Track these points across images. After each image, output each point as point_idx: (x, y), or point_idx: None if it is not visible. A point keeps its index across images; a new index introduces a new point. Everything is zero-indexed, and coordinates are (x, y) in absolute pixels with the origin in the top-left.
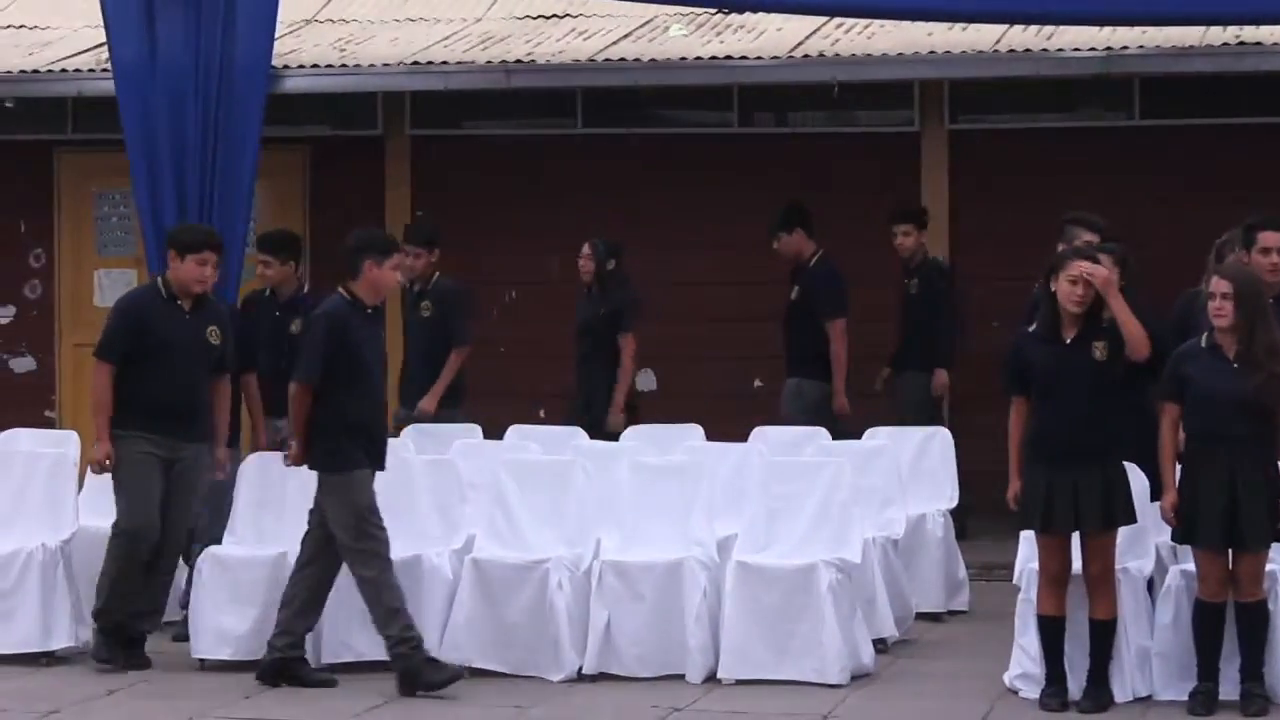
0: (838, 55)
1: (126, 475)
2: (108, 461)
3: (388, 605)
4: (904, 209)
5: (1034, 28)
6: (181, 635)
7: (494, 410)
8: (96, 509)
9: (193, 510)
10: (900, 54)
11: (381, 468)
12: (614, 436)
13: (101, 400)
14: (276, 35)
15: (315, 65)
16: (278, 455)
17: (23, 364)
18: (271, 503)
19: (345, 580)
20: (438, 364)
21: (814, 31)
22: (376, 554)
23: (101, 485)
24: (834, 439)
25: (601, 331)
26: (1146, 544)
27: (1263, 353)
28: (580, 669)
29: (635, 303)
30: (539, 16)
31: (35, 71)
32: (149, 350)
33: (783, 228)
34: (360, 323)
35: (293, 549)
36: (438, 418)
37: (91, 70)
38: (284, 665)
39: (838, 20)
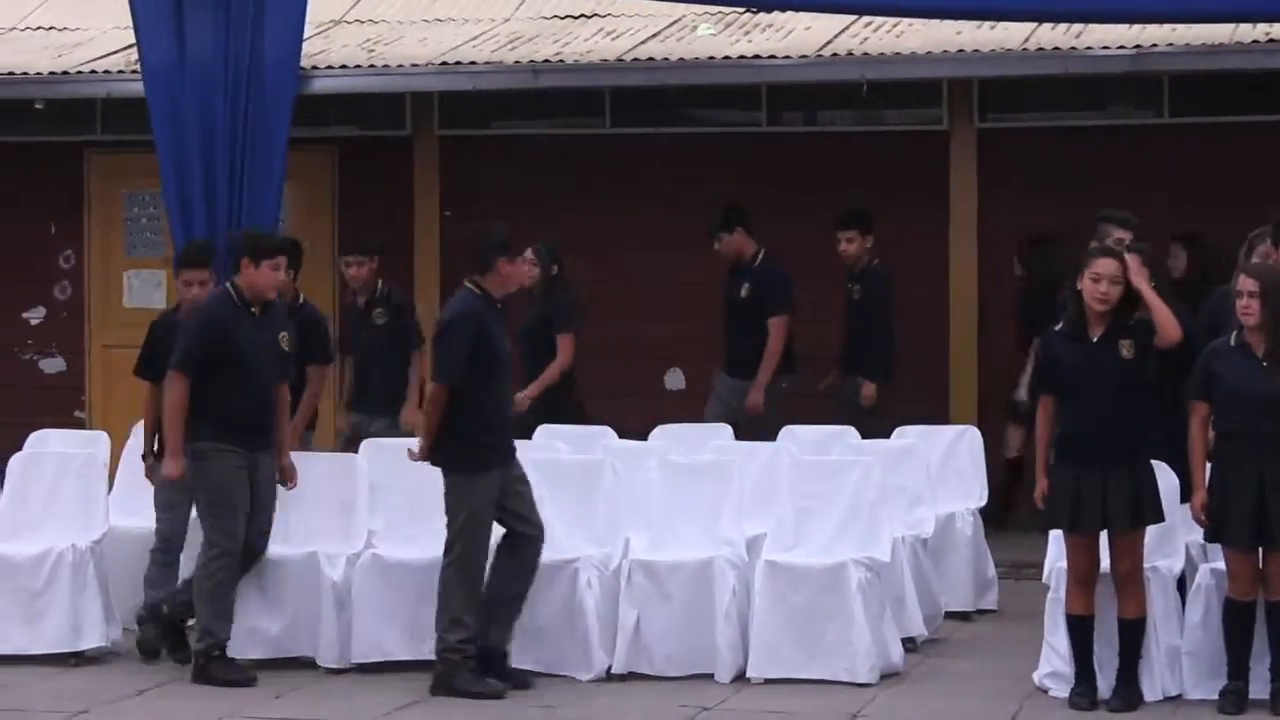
0: (866, 54)
1: (221, 493)
2: (173, 478)
3: (457, 613)
4: (849, 213)
5: (1063, 26)
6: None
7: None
8: (127, 509)
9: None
10: (929, 53)
11: (509, 466)
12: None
13: (176, 413)
14: (305, 36)
15: (344, 66)
16: (305, 455)
17: (53, 365)
18: (300, 503)
19: (374, 582)
20: (394, 371)
21: (842, 30)
22: (473, 561)
23: (131, 486)
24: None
25: (543, 335)
26: (1176, 543)
27: (1274, 353)
28: (609, 668)
29: (577, 306)
30: (567, 16)
31: (65, 73)
32: (227, 360)
33: (724, 228)
34: (494, 319)
35: (324, 548)
36: (375, 428)
37: (121, 72)
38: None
39: (866, 19)
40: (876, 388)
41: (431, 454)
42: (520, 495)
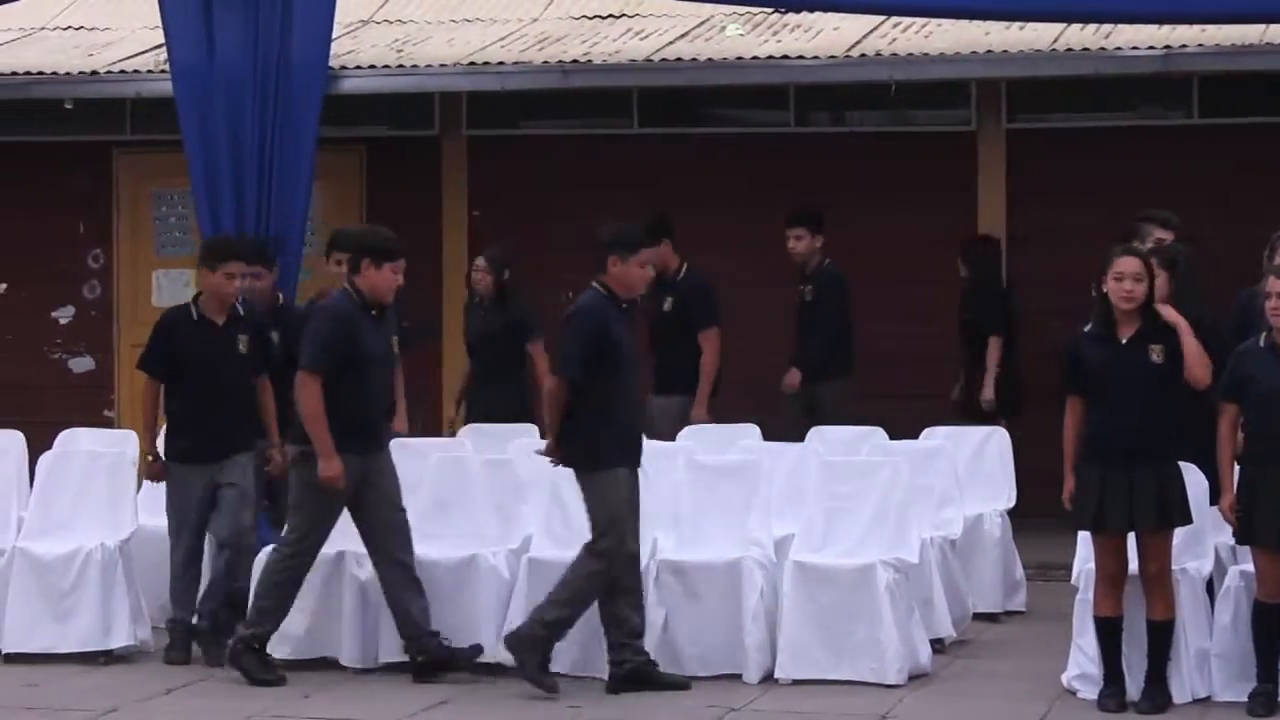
0: (894, 55)
1: (322, 498)
2: (340, 481)
3: (566, 614)
4: (798, 211)
5: (1091, 26)
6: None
7: None
8: (155, 508)
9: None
10: (957, 53)
11: (637, 465)
12: None
13: (317, 413)
14: (333, 36)
15: (372, 66)
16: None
17: (82, 364)
18: None
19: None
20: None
21: (871, 31)
22: (604, 555)
23: (160, 486)
24: None
25: (506, 343)
26: (1205, 544)
27: None
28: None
29: (536, 312)
30: (595, 16)
31: (94, 73)
32: (352, 362)
33: (655, 239)
34: (617, 318)
35: (351, 548)
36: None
37: (150, 71)
38: (635, 674)
39: (894, 20)
40: (840, 386)
41: (556, 450)
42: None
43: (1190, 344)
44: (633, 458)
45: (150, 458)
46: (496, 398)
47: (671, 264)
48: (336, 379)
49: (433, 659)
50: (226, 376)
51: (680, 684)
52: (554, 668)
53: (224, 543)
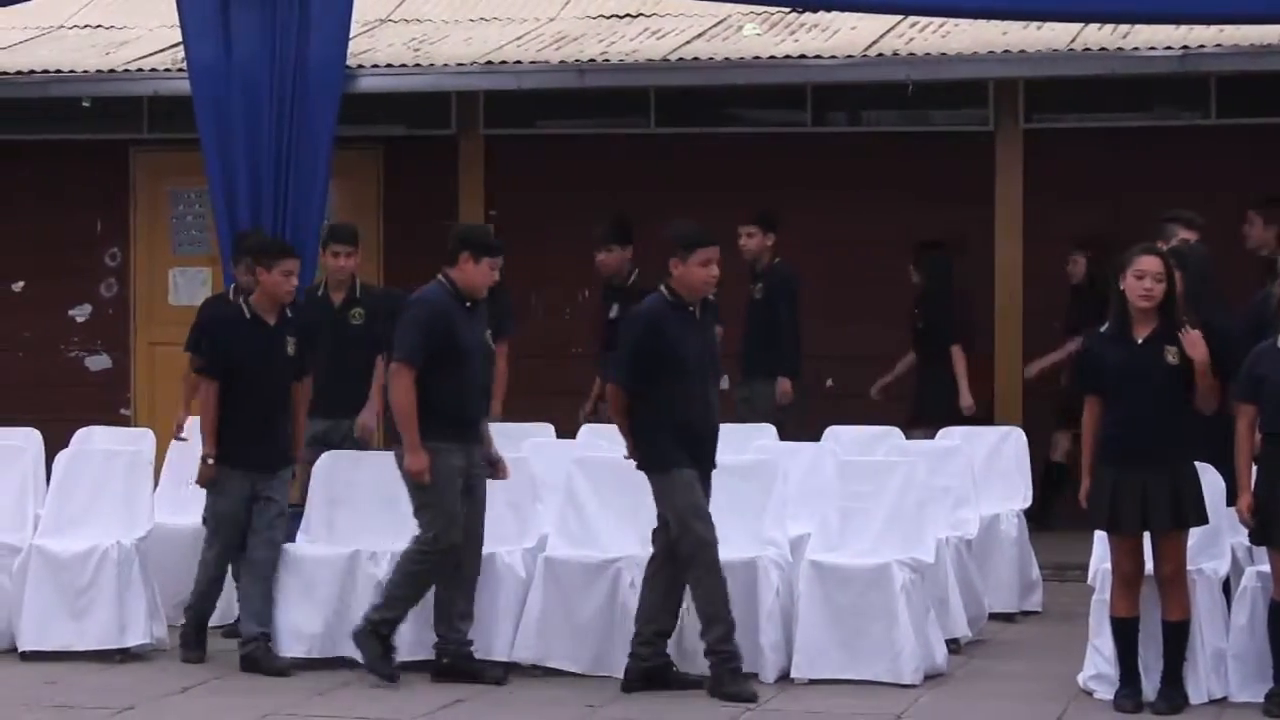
0: (912, 54)
1: (439, 492)
2: (426, 475)
3: (713, 610)
4: (754, 211)
5: (1109, 26)
6: (232, 633)
7: (570, 409)
8: (172, 506)
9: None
10: (975, 53)
11: (711, 468)
12: None
13: (408, 407)
14: (351, 35)
15: (389, 65)
16: (350, 453)
17: (99, 362)
18: (344, 501)
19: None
20: (358, 375)
21: (888, 30)
22: (693, 556)
23: (177, 484)
24: None
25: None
26: (1222, 545)
27: None
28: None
29: (510, 311)
30: (612, 16)
31: (112, 71)
32: (449, 355)
33: (617, 240)
34: (678, 320)
35: (366, 547)
36: (330, 432)
37: (167, 70)
38: (653, 672)
39: (912, 19)
40: (790, 385)
41: (633, 452)
42: None
43: (1204, 377)
44: (699, 458)
45: (209, 460)
46: None
47: (625, 270)
48: (433, 371)
49: (456, 668)
50: (278, 378)
51: (697, 683)
52: (571, 667)
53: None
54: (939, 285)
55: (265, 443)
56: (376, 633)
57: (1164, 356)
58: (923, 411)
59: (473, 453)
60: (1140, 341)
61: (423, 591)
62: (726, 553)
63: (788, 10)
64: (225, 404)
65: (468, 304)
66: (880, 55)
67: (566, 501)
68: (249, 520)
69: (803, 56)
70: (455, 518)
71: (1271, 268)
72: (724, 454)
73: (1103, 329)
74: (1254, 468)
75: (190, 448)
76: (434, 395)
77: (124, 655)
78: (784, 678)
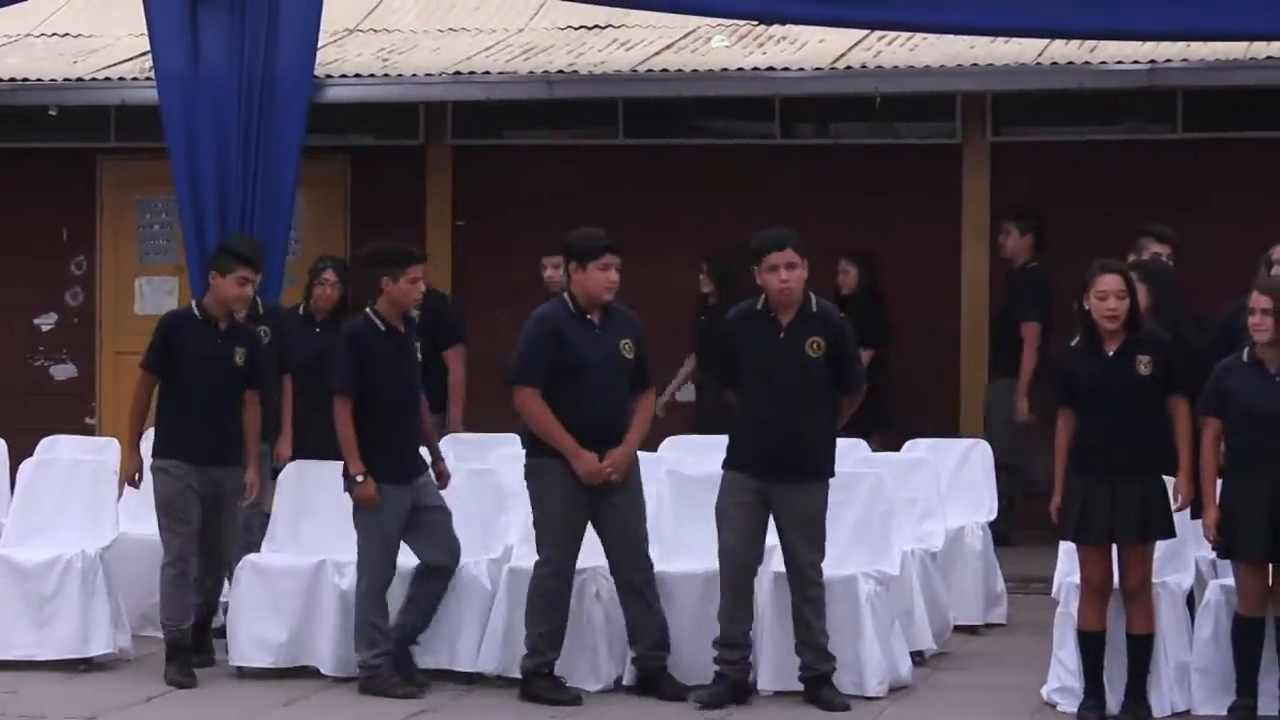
0: (880, 67)
1: (555, 508)
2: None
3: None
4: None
5: (1076, 40)
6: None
7: None
8: (137, 516)
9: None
10: (942, 66)
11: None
12: None
13: (551, 423)
14: (319, 44)
15: (358, 75)
16: (317, 464)
17: (64, 371)
18: (310, 511)
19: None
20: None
21: (856, 43)
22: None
23: (142, 493)
24: None
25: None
26: (1186, 558)
27: None
28: (618, 679)
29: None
30: (581, 27)
31: (79, 79)
32: (567, 370)
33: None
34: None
35: (332, 557)
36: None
37: (135, 78)
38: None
39: (880, 32)
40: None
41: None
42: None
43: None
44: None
45: (360, 478)
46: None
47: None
48: (552, 389)
49: (646, 677)
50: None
51: (679, 694)
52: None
53: (435, 567)
54: (868, 291)
55: (409, 453)
56: (539, 674)
57: (1135, 368)
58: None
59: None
60: (1111, 354)
61: (560, 617)
62: (689, 564)
63: (756, 23)
64: (370, 417)
65: (588, 316)
66: (848, 68)
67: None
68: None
69: (771, 69)
70: (574, 532)
71: (1028, 274)
72: (686, 464)
73: (1073, 343)
74: (1219, 481)
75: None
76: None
77: (87, 665)
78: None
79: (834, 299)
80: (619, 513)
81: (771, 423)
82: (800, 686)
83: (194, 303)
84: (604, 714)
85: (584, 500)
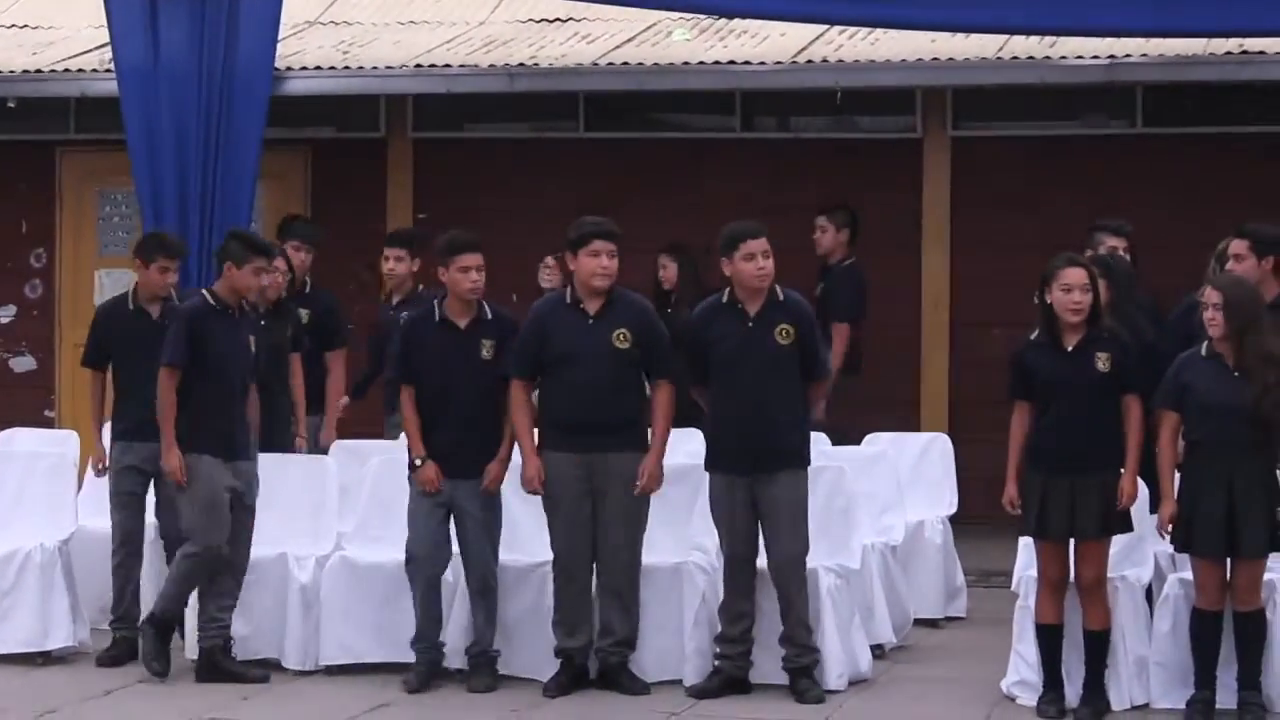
0: (840, 61)
1: (554, 502)
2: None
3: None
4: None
5: (1036, 36)
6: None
7: None
8: (96, 509)
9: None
10: (903, 60)
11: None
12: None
13: (525, 418)
14: (280, 37)
15: (318, 67)
16: (277, 456)
17: (23, 363)
18: (272, 504)
19: (342, 584)
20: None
21: (817, 37)
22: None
23: (101, 486)
24: None
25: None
26: (1145, 552)
27: (1256, 361)
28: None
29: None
30: (542, 20)
31: (38, 71)
32: (553, 360)
33: (401, 245)
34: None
35: (290, 550)
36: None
37: (95, 70)
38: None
39: (840, 26)
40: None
41: None
42: None
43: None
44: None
45: (420, 461)
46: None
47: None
48: (545, 380)
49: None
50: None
51: (641, 690)
52: (502, 670)
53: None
54: (687, 284)
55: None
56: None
57: (1094, 364)
58: None
59: (604, 461)
60: (1070, 349)
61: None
62: (653, 558)
63: (717, 16)
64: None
65: (582, 305)
66: (809, 62)
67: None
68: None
69: (731, 62)
70: (577, 531)
71: (845, 271)
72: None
73: (1032, 336)
74: (1176, 476)
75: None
76: (545, 403)
77: (46, 658)
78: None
79: (654, 293)
80: (615, 512)
81: (746, 414)
82: None
83: (207, 293)
84: (566, 707)
85: (583, 490)
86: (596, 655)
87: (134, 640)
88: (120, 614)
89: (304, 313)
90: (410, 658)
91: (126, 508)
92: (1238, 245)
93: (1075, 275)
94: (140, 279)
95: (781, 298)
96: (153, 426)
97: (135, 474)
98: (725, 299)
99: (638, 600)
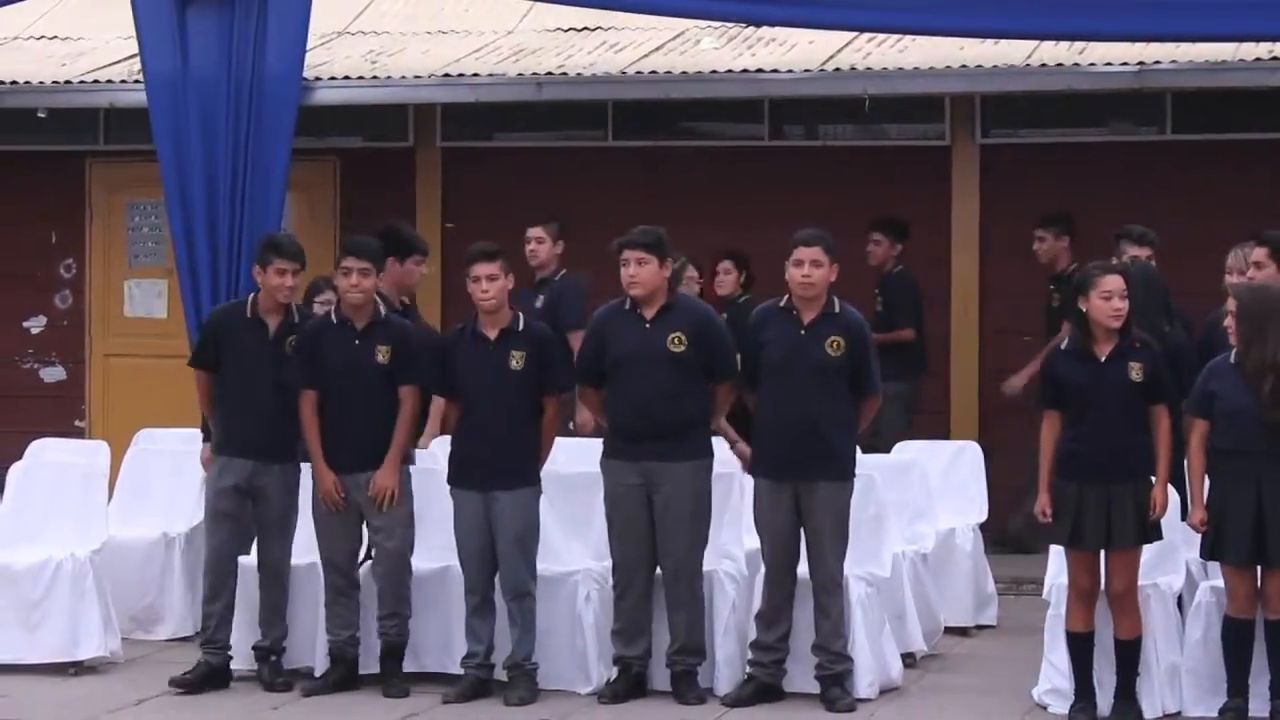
0: (869, 69)
1: (613, 511)
2: None
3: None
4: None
5: (1065, 42)
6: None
7: None
8: (126, 519)
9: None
10: (931, 68)
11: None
12: None
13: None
14: (308, 47)
15: (346, 77)
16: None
17: (53, 374)
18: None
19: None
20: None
21: (845, 45)
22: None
23: (132, 496)
24: None
25: None
26: (1176, 560)
27: (1256, 367)
28: (608, 681)
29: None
30: (570, 29)
31: (68, 82)
32: (611, 365)
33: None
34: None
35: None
36: None
37: (124, 81)
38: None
39: (869, 34)
40: None
41: None
42: None
43: (1162, 475)
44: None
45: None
46: None
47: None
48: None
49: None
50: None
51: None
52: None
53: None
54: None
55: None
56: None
57: (1127, 373)
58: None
59: (660, 469)
60: (1103, 359)
61: None
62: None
63: (744, 25)
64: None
65: (640, 310)
66: (837, 70)
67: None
68: None
69: (760, 71)
70: (634, 542)
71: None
72: None
73: (1063, 345)
74: (1205, 482)
75: (145, 456)
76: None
77: (77, 668)
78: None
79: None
80: (666, 516)
81: (791, 421)
82: None
83: (331, 313)
84: (595, 717)
85: (638, 498)
86: (666, 664)
87: (217, 665)
88: (209, 637)
89: None
90: (453, 669)
91: (221, 529)
92: (1258, 253)
93: (1114, 283)
94: (261, 286)
95: (838, 310)
96: (254, 444)
97: (234, 493)
98: (783, 304)
99: (702, 608)
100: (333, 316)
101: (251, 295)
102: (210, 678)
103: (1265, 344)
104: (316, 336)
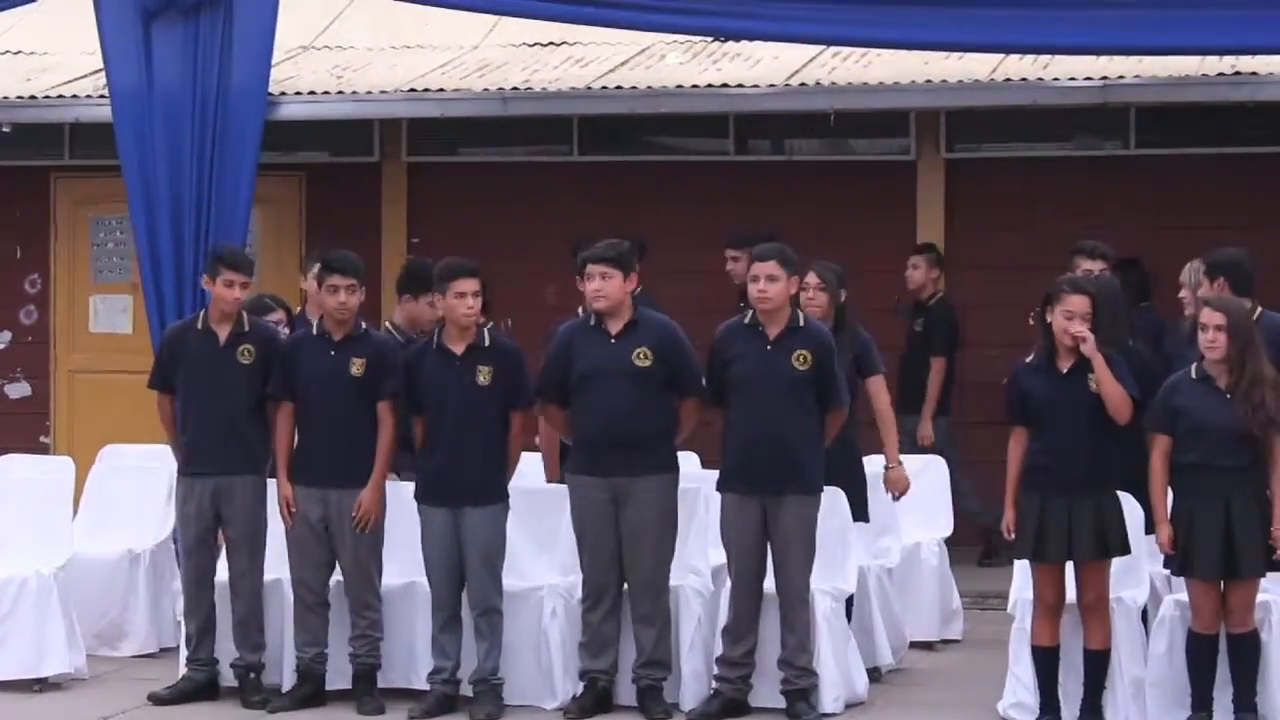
0: (834, 84)
1: (581, 527)
2: None
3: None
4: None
5: (1030, 56)
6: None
7: None
8: (91, 535)
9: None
10: (896, 83)
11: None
12: None
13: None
14: (273, 62)
15: (312, 92)
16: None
17: (18, 389)
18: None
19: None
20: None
21: (810, 60)
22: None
23: (97, 512)
24: None
25: None
26: (1141, 574)
27: (1249, 383)
28: (574, 697)
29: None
30: (536, 44)
31: (33, 97)
32: (577, 380)
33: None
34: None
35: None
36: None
37: (89, 96)
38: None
39: (834, 49)
40: None
41: None
42: None
43: (1108, 383)
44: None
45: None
46: None
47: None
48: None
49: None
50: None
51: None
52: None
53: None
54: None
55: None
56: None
57: (1089, 386)
58: None
59: (629, 484)
60: (1065, 372)
61: None
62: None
63: (710, 39)
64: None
65: (604, 324)
66: (803, 84)
67: None
68: None
69: (725, 85)
70: (602, 556)
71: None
72: None
73: (1028, 359)
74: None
75: (110, 473)
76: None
77: (42, 685)
78: None
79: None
80: (632, 531)
81: (758, 436)
82: None
83: (314, 325)
84: None
85: (605, 512)
86: (632, 679)
87: (201, 681)
88: (191, 655)
89: None
90: (419, 685)
91: (194, 549)
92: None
93: (1079, 303)
94: (211, 297)
95: (802, 323)
96: (218, 457)
97: (203, 512)
98: (748, 320)
99: (669, 622)
100: (314, 329)
101: (204, 309)
102: (192, 694)
103: (1259, 358)
104: (295, 348)
